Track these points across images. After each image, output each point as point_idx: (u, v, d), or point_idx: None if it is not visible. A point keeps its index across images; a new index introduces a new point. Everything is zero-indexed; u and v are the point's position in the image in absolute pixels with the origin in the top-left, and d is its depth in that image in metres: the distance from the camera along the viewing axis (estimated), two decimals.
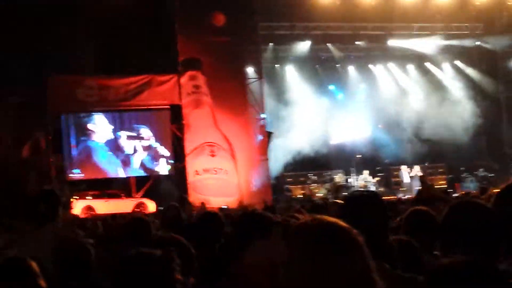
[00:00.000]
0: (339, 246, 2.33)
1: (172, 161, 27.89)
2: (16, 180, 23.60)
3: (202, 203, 23.03)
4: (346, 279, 2.30)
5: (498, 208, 3.58)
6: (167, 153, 27.88)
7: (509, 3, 31.24)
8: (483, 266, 2.50)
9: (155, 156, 27.80)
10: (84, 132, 27.22)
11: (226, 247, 5.81)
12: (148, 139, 27.81)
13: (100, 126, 27.39)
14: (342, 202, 7.55)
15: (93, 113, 27.45)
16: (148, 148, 27.76)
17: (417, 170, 32.11)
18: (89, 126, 27.30)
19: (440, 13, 31.76)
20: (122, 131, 27.58)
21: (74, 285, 4.76)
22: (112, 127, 27.53)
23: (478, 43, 34.74)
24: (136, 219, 6.90)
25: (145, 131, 27.84)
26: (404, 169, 32.58)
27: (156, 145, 27.84)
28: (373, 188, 31.26)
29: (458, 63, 35.66)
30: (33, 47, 25.13)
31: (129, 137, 27.64)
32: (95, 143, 27.15)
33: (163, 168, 27.85)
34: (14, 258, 4.16)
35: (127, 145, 27.56)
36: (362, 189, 26.73)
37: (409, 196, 26.66)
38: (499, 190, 3.35)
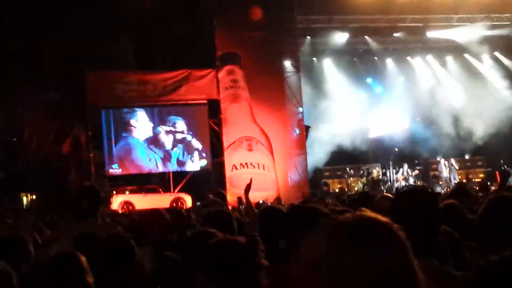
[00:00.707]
0: (379, 241, 2.30)
1: (209, 156, 28.04)
2: (57, 175, 24.00)
3: (239, 198, 23.04)
4: (387, 276, 2.27)
5: None
6: (204, 147, 28.04)
7: None
8: None
9: (192, 151, 27.98)
10: (125, 128, 27.48)
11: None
12: (186, 134, 28.00)
13: (141, 122, 27.66)
14: (391, 196, 7.58)
15: (136, 109, 27.71)
16: (185, 142, 27.96)
17: (453, 163, 31.91)
18: (132, 122, 27.58)
19: (479, 3, 31.32)
20: (161, 126, 27.80)
21: (118, 278, 4.82)
22: (152, 124, 27.78)
23: None
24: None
25: (182, 125, 28.03)
26: (442, 162, 32.30)
27: (194, 140, 28.02)
28: (412, 182, 31.19)
29: (498, 54, 35.16)
30: (72, 43, 25.42)
31: (168, 132, 27.87)
32: (135, 139, 27.42)
33: (200, 162, 28.01)
34: (65, 253, 4.30)
35: (167, 141, 27.79)
36: (411, 185, 26.74)
37: (448, 189, 26.54)
38: None
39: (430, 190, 3.99)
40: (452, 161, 32.22)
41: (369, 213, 2.44)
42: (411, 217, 3.42)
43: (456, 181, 30.79)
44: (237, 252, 3.37)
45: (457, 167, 32.16)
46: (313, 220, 4.45)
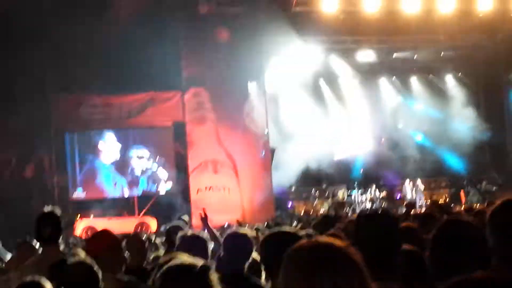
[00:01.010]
0: (335, 267, 2.31)
1: (174, 180, 28.01)
2: (20, 200, 23.72)
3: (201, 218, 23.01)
4: None
5: (491, 224, 3.51)
6: (170, 171, 28.01)
7: (511, 14, 31.13)
8: (505, 281, 2.48)
9: (158, 180, 27.95)
10: (92, 150, 27.45)
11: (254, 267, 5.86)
12: (152, 163, 27.96)
13: (109, 145, 27.59)
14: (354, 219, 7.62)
15: (105, 130, 27.62)
16: (151, 172, 27.94)
17: (418, 184, 32.16)
18: (99, 144, 27.50)
19: (444, 25, 31.65)
20: (132, 150, 27.75)
21: None
22: (120, 146, 27.69)
23: (481, 54, 34.74)
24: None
25: (147, 151, 27.98)
26: (407, 183, 32.52)
27: (160, 169, 27.99)
28: (378, 203, 31.33)
29: (461, 75, 35.61)
30: (35, 66, 25.22)
31: (139, 157, 27.82)
32: (101, 163, 27.34)
33: (165, 186, 27.94)
34: (31, 282, 4.31)
35: (137, 166, 27.76)
36: (370, 207, 26.89)
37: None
38: (493, 207, 3.39)
39: (390, 213, 4.08)
40: (418, 181, 32.44)
41: (324, 238, 2.48)
42: (373, 240, 3.52)
43: (421, 202, 31.01)
44: (189, 278, 3.35)
45: (422, 188, 32.39)
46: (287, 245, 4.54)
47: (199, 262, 3.45)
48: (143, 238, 8.92)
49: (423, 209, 23.47)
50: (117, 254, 6.02)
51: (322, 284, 2.26)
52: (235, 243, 5.90)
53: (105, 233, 6.62)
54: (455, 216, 7.72)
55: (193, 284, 3.33)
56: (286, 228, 5.49)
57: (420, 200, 31.50)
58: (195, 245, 5.80)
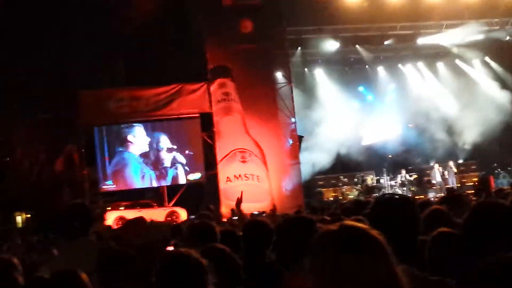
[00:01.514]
0: (363, 250, 2.35)
1: (202, 169, 28.23)
2: (51, 194, 24.08)
3: (232, 210, 23.21)
4: (371, 284, 2.32)
5: None
6: (198, 161, 28.22)
7: None
8: None
9: (185, 166, 28.16)
10: (122, 143, 27.65)
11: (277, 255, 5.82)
12: (178, 151, 28.18)
13: (138, 138, 27.83)
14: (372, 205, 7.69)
15: (134, 124, 27.90)
16: (178, 159, 28.15)
17: (451, 166, 32.09)
18: (129, 137, 27.75)
19: (469, 9, 31.48)
20: (161, 142, 27.98)
21: None
22: (149, 139, 27.94)
23: (508, 38, 34.45)
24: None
25: (175, 143, 28.23)
26: (436, 168, 32.40)
27: (187, 155, 28.22)
28: (407, 187, 31.28)
29: (488, 59, 35.32)
30: (61, 62, 25.59)
31: (167, 149, 28.04)
32: (130, 155, 27.57)
33: (194, 176, 28.16)
34: (66, 271, 4.30)
35: (166, 158, 27.99)
36: (392, 192, 26.77)
37: (441, 195, 26.69)
38: None
39: (408, 198, 4.01)
40: (451, 163, 32.33)
41: (351, 222, 2.52)
42: (389, 225, 3.38)
43: (454, 185, 30.95)
44: (186, 268, 3.43)
45: (455, 170, 32.30)
46: (307, 230, 4.62)
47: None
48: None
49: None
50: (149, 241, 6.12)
51: (348, 265, 2.32)
52: (255, 231, 5.90)
53: (140, 220, 6.76)
54: (488, 199, 7.63)
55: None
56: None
57: (453, 183, 31.43)
58: (202, 233, 5.81)
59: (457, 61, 35.06)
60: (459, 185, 31.37)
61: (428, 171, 33.02)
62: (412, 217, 3.72)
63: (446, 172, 32.14)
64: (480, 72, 35.03)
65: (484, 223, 3.54)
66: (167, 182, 27.93)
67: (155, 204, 27.10)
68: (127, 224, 7.46)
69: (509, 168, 32.32)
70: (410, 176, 32.34)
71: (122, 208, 26.32)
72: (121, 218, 25.18)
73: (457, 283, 3.49)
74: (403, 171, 32.02)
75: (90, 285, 4.22)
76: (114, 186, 27.18)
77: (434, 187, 31.48)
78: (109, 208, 26.03)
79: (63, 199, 24.00)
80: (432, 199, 22.63)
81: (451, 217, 5.61)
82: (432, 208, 5.82)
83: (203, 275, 3.47)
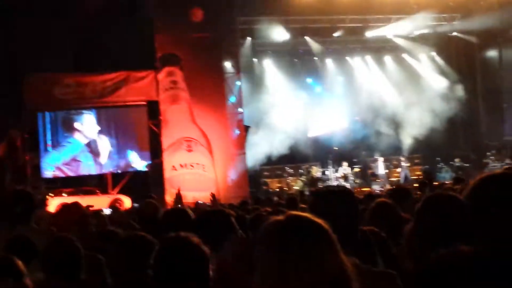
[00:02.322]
0: (309, 239, 2.37)
1: (148, 157, 28.19)
2: None
3: (177, 194, 23.26)
4: (320, 274, 2.34)
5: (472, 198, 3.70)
6: (144, 149, 28.17)
7: None
8: (487, 255, 2.58)
9: (131, 154, 28.10)
10: (66, 130, 27.45)
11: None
12: (124, 138, 28.10)
13: (86, 125, 27.66)
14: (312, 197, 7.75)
15: (83, 112, 27.70)
16: (124, 146, 28.09)
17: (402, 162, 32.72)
18: (76, 124, 27.57)
19: (417, 3, 31.85)
20: (106, 130, 27.88)
21: (64, 285, 4.67)
22: (98, 128, 27.81)
23: (455, 33, 35.00)
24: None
25: (121, 130, 28.13)
26: (380, 161, 32.82)
27: (133, 143, 28.15)
28: (351, 180, 31.61)
29: (435, 54, 35.82)
30: (8, 45, 25.24)
31: (113, 136, 27.95)
32: (74, 142, 27.41)
33: (139, 164, 28.11)
34: (2, 257, 4.31)
35: (111, 145, 27.89)
36: (334, 184, 27.06)
37: (383, 188, 27.14)
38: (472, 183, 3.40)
39: (348, 190, 4.07)
40: (401, 159, 32.86)
41: (297, 212, 2.54)
42: (328, 216, 3.18)
43: (409, 179, 31.44)
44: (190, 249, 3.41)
45: (407, 164, 32.86)
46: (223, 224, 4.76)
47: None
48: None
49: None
50: (85, 227, 6.10)
51: (294, 254, 2.35)
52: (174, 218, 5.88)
53: (74, 206, 6.71)
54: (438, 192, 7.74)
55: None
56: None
57: (407, 176, 31.95)
58: (180, 220, 5.69)
59: (404, 55, 35.43)
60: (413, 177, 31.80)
61: (372, 164, 33.39)
62: (351, 209, 3.76)
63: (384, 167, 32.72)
64: (426, 67, 35.47)
65: (435, 215, 3.63)
66: (112, 168, 27.81)
67: (99, 191, 26.96)
68: (61, 210, 7.41)
69: (451, 163, 32.82)
70: (353, 169, 32.67)
71: (65, 195, 26.10)
72: (62, 205, 25.02)
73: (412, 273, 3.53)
74: (345, 164, 32.32)
75: (26, 271, 4.22)
76: (57, 172, 27.01)
77: (378, 180, 31.89)
78: (52, 195, 25.78)
79: (5, 184, 23.71)
80: (379, 192, 23.06)
81: (398, 210, 5.73)
82: (379, 201, 5.92)
83: (205, 262, 3.43)
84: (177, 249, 3.40)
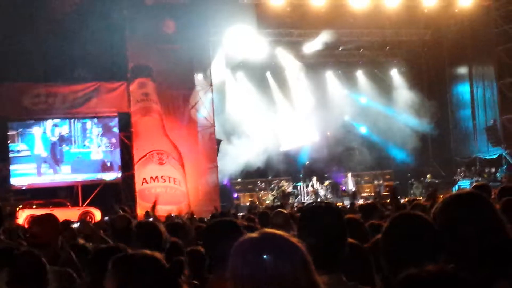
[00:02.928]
0: (283, 258, 2.34)
1: (119, 170, 27.90)
2: None
3: (147, 212, 23.06)
4: None
5: (440, 218, 3.64)
6: (113, 162, 27.89)
7: (456, 10, 31.62)
8: (456, 275, 2.54)
9: (101, 166, 27.80)
10: (35, 139, 27.10)
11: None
12: (94, 149, 27.79)
13: (52, 135, 27.32)
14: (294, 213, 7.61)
15: (42, 121, 27.35)
16: (95, 156, 27.78)
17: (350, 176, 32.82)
18: (41, 134, 27.20)
19: (389, 19, 32.00)
20: (76, 140, 27.55)
21: None
22: (64, 135, 27.45)
23: (426, 49, 35.31)
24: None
25: (91, 141, 27.81)
26: (349, 176, 32.87)
27: (103, 154, 27.85)
28: (322, 195, 31.60)
29: (406, 69, 36.09)
30: None
31: (83, 147, 27.64)
32: (43, 152, 27.07)
33: (110, 176, 27.80)
34: None
35: (81, 155, 27.57)
36: (318, 200, 27.08)
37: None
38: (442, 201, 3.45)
39: (335, 206, 4.07)
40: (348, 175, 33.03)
41: (271, 230, 2.49)
42: (317, 232, 3.49)
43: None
44: (161, 271, 3.27)
45: (381, 182, 33.07)
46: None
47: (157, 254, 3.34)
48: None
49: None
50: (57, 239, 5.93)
51: (267, 272, 2.31)
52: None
53: (49, 217, 6.51)
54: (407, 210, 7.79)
55: (162, 279, 3.23)
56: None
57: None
58: (150, 234, 5.65)
59: (376, 71, 35.61)
60: (373, 194, 31.84)
61: (343, 179, 33.46)
62: (339, 225, 3.73)
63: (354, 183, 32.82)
64: (397, 82, 35.71)
65: (401, 234, 3.56)
66: (82, 180, 27.49)
67: (69, 204, 26.59)
68: (34, 221, 7.22)
69: (422, 179, 32.99)
70: (322, 183, 32.66)
71: (34, 206, 25.71)
72: (32, 217, 24.61)
73: None
74: (314, 179, 32.32)
75: None
76: (26, 183, 26.66)
77: (348, 195, 31.92)
78: (21, 207, 25.36)
79: None
80: (348, 206, 22.96)
81: (364, 226, 5.77)
82: (347, 217, 5.85)
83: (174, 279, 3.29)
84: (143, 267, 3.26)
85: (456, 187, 29.89)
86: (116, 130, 28.11)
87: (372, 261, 4.50)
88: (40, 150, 27.29)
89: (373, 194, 31.84)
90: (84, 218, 23.43)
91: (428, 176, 32.96)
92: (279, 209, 9.12)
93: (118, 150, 28.02)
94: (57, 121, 27.63)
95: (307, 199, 31.07)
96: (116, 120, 28.12)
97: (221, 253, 4.32)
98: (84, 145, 27.84)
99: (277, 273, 2.32)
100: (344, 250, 3.67)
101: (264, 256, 2.35)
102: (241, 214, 18.07)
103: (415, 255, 3.33)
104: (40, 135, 27.32)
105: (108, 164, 27.91)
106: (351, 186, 32.52)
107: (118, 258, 3.34)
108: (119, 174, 27.91)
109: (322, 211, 3.81)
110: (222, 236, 4.44)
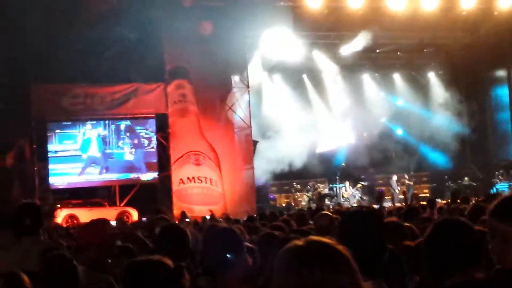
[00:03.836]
0: (329, 266, 2.30)
1: (156, 170, 28.06)
2: (0, 189, 23.62)
3: (183, 212, 23.21)
4: None
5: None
6: (152, 161, 28.06)
7: (495, 13, 31.29)
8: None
9: (139, 166, 27.99)
10: (74, 140, 27.38)
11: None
12: (132, 150, 27.99)
13: (92, 136, 27.57)
14: (333, 215, 7.63)
15: (87, 122, 27.64)
16: (132, 158, 27.97)
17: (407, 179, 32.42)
18: (81, 135, 27.47)
19: (426, 22, 31.72)
20: (115, 141, 27.77)
21: None
22: (99, 135, 27.68)
23: (464, 52, 35.01)
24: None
25: (129, 142, 28.01)
26: (394, 178, 32.59)
27: (141, 155, 28.04)
28: (358, 197, 31.47)
29: (444, 71, 35.84)
30: (18, 53, 25.11)
31: (121, 148, 27.85)
32: (82, 153, 27.34)
33: (147, 176, 27.97)
34: (8, 273, 4.23)
35: (119, 156, 27.79)
36: (359, 206, 27.00)
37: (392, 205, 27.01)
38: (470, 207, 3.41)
39: (375, 211, 4.03)
40: (406, 176, 32.71)
41: (317, 237, 2.46)
42: (358, 238, 3.45)
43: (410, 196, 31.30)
44: (163, 275, 3.30)
45: (411, 183, 32.69)
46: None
47: (168, 260, 3.38)
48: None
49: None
50: (110, 247, 5.97)
51: (313, 281, 2.26)
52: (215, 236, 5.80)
53: (102, 223, 6.55)
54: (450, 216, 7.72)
55: (166, 283, 3.28)
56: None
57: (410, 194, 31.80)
58: (174, 237, 5.56)
59: (414, 73, 35.40)
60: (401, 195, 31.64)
61: (380, 181, 33.31)
62: (380, 230, 3.71)
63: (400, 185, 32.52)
64: (435, 84, 35.48)
65: (445, 241, 3.54)
66: (120, 180, 27.69)
67: (106, 204, 26.81)
68: (86, 226, 7.27)
69: (459, 181, 32.72)
70: (356, 185, 32.54)
71: (72, 206, 25.98)
72: (71, 217, 24.91)
73: None
74: (347, 183, 32.22)
75: (31, 287, 4.15)
76: (66, 183, 26.94)
77: (387, 198, 31.77)
78: (59, 206, 25.64)
79: (13, 194, 23.59)
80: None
81: (405, 230, 5.71)
82: (387, 220, 5.80)
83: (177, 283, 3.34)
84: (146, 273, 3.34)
85: (494, 189, 29.65)
86: (150, 131, 28.30)
87: (405, 266, 4.48)
88: (94, 151, 27.60)
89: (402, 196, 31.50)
90: (121, 218, 23.62)
91: (466, 178, 32.69)
92: (324, 212, 9.06)
93: (153, 151, 28.21)
94: (93, 122, 27.88)
95: (343, 201, 31.02)
96: (151, 121, 28.30)
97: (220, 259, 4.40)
98: (118, 146, 28.05)
99: (324, 281, 2.28)
100: (385, 255, 3.65)
101: (309, 260, 2.31)
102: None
103: (458, 261, 3.36)
104: (95, 136, 27.60)
105: (138, 165, 28.09)
106: (395, 189, 32.14)
107: (127, 264, 3.44)
108: (155, 175, 28.06)
109: (363, 216, 3.79)
110: (220, 243, 4.51)
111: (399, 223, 5.91)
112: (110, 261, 5.69)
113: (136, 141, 28.15)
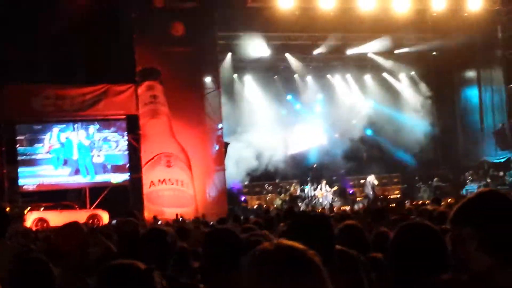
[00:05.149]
0: (299, 271, 2.30)
1: (127, 172, 27.91)
2: None
3: (154, 217, 23.17)
4: None
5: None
6: (121, 164, 27.90)
7: (465, 15, 31.50)
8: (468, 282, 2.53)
9: (110, 167, 27.82)
10: (43, 142, 27.12)
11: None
12: (104, 150, 27.80)
13: (55, 138, 27.31)
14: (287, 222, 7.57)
15: (50, 124, 27.37)
16: (103, 159, 27.78)
17: (370, 180, 32.36)
18: (50, 136, 27.22)
19: (397, 23, 31.86)
20: (84, 143, 27.57)
21: None
22: (68, 138, 27.46)
23: (434, 53, 35.22)
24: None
25: (99, 144, 27.83)
26: (368, 180, 32.63)
27: (110, 157, 27.86)
28: (330, 198, 31.50)
29: (414, 73, 36.02)
30: None
31: (91, 149, 27.65)
32: (51, 155, 27.09)
33: (117, 178, 27.80)
34: None
35: (89, 158, 27.57)
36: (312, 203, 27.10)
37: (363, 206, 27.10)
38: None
39: (324, 215, 4.02)
40: (372, 177, 32.76)
41: (287, 242, 2.44)
42: (305, 243, 3.42)
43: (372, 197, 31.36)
44: (134, 278, 3.25)
45: (376, 183, 32.70)
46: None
47: (139, 263, 3.33)
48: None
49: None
50: (85, 250, 5.90)
51: (281, 284, 2.26)
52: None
53: (75, 226, 6.46)
54: (414, 219, 7.73)
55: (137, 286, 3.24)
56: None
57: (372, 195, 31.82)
58: (157, 238, 5.48)
59: (384, 74, 35.55)
60: (381, 197, 31.70)
61: (351, 182, 33.40)
62: (327, 235, 3.72)
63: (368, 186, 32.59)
64: (405, 86, 35.66)
65: (409, 246, 3.54)
66: (89, 182, 27.50)
67: (77, 206, 26.58)
68: (61, 229, 7.17)
69: (429, 182, 32.93)
70: (331, 187, 32.56)
71: (42, 209, 25.74)
72: (40, 220, 24.66)
73: None
74: (323, 182, 32.21)
75: None
76: (35, 185, 26.67)
77: (359, 199, 31.87)
78: (29, 209, 25.38)
79: None
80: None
81: (363, 232, 5.67)
82: (345, 223, 5.79)
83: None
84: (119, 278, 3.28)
85: (464, 190, 29.90)
86: (120, 133, 28.15)
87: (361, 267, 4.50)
88: (65, 154, 27.40)
89: (381, 197, 31.59)
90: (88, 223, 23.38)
91: (436, 179, 32.91)
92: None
93: (122, 154, 28.07)
94: (62, 126, 27.66)
95: (314, 203, 31.05)
96: (121, 123, 28.16)
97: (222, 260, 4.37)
98: (88, 149, 27.81)
99: (293, 283, 2.27)
100: (332, 256, 3.65)
101: (281, 266, 2.29)
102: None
103: (423, 265, 3.37)
104: (65, 139, 27.40)
105: (109, 166, 27.92)
106: (369, 190, 32.20)
107: (101, 269, 3.35)
108: (126, 177, 27.91)
109: (309, 220, 3.86)
110: (221, 244, 4.48)
111: (358, 226, 5.81)
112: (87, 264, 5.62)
113: (105, 144, 27.94)
